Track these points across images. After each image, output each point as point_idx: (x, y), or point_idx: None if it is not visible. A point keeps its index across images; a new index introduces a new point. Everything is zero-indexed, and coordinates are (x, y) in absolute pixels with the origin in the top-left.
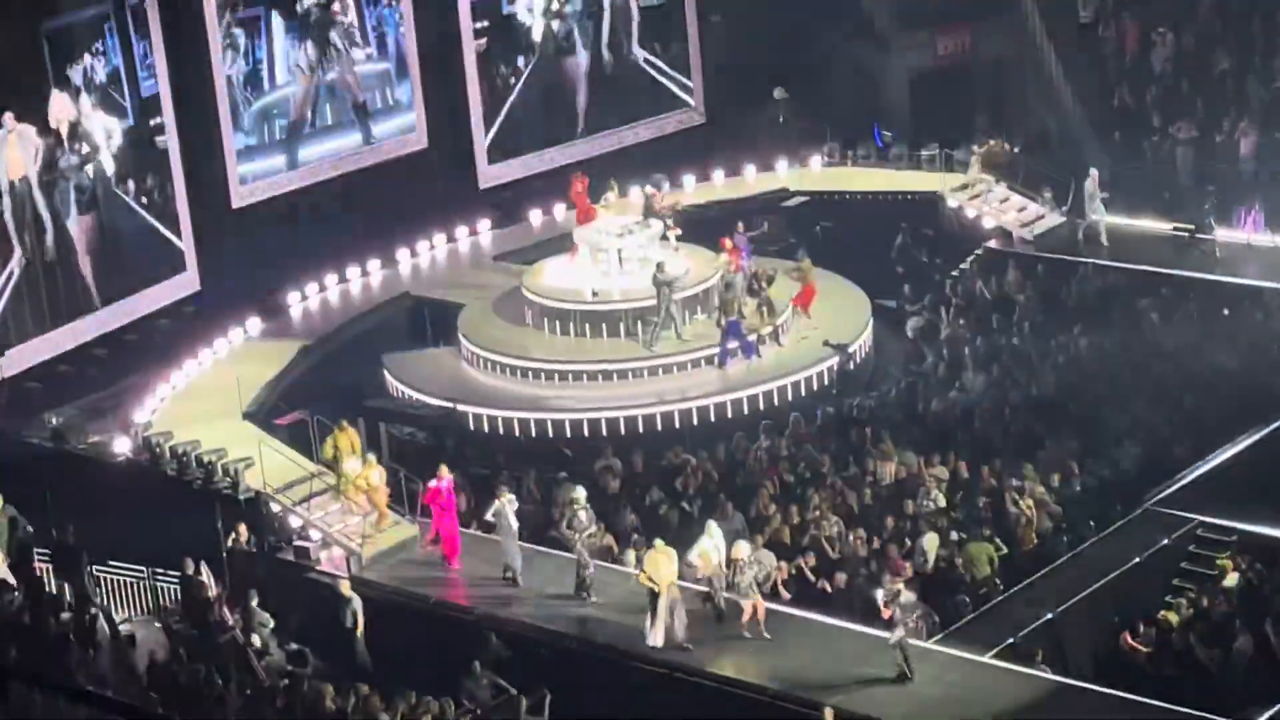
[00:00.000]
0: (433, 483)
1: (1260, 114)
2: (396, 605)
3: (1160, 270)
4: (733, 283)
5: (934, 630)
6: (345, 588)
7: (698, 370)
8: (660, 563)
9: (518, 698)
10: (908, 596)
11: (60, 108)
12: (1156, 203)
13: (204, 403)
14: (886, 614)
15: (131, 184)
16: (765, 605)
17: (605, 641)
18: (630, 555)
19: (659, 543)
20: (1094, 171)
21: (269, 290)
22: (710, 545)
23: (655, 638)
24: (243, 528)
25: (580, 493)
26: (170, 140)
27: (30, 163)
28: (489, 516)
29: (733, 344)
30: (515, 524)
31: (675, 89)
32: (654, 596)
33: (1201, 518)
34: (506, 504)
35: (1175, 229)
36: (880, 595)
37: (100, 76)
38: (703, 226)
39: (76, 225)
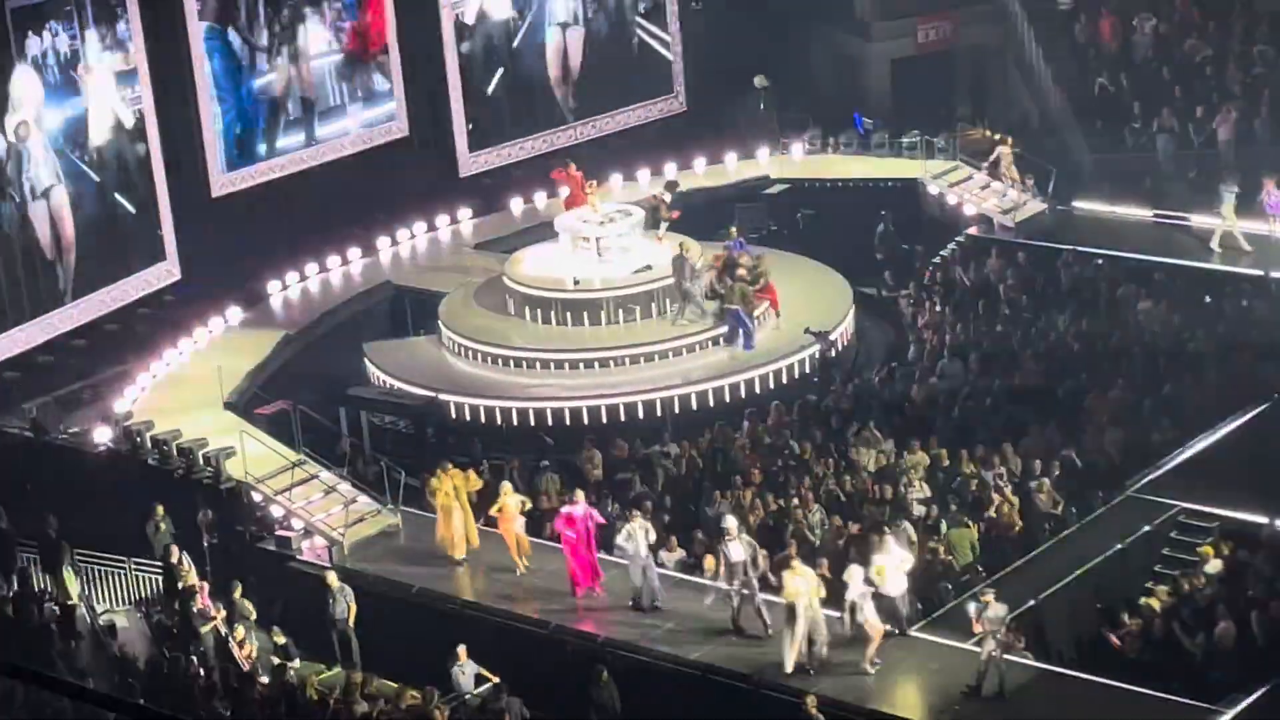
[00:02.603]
0: (565, 508)
1: (1239, 100)
2: (379, 594)
3: (1142, 257)
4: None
5: (916, 618)
6: (333, 579)
7: (679, 359)
8: (795, 580)
9: (501, 685)
10: (997, 610)
11: (24, 88)
12: (1138, 190)
13: (185, 392)
14: (977, 628)
15: (111, 172)
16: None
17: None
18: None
19: (796, 561)
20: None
21: (250, 279)
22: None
23: (788, 662)
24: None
25: (731, 522)
26: (150, 127)
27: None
28: (620, 541)
29: (736, 327)
30: (645, 550)
31: (660, 49)
32: (792, 616)
33: (1183, 504)
34: (639, 528)
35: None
36: (972, 608)
37: (65, 54)
38: (686, 215)
39: (55, 214)
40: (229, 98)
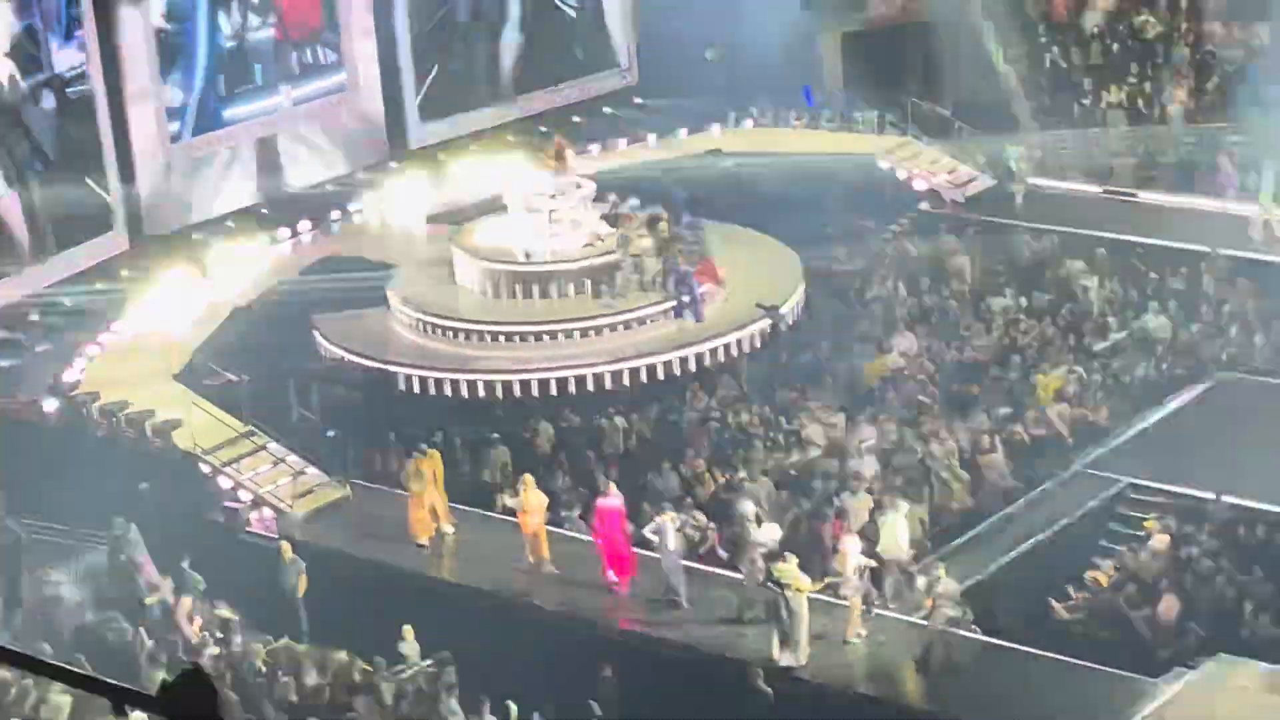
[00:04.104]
0: (600, 501)
1: (1189, 76)
2: (328, 566)
3: (1090, 233)
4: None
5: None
6: (286, 550)
7: (630, 331)
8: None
9: (448, 657)
10: (946, 584)
11: None
12: (1087, 165)
13: (133, 363)
14: (926, 602)
15: (59, 141)
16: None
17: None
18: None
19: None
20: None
21: (200, 250)
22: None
23: (797, 656)
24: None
25: (748, 506)
26: (98, 96)
27: None
28: (648, 533)
29: (685, 298)
30: (674, 543)
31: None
32: (781, 609)
33: (1130, 479)
34: (669, 521)
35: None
36: (921, 583)
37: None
38: (637, 189)
39: (2, 184)
40: (180, 65)
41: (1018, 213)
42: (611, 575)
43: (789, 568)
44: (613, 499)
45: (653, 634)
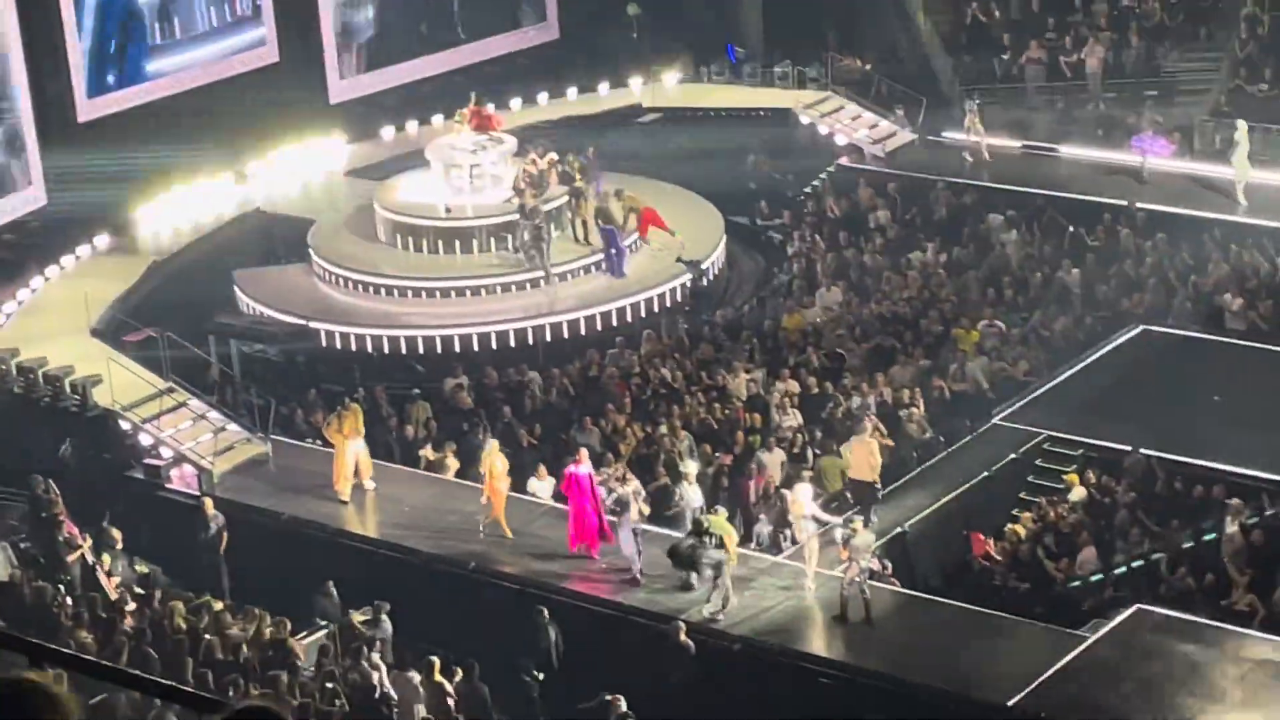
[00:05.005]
0: (570, 468)
1: (1108, 32)
2: (249, 522)
3: (1010, 188)
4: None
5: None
6: (209, 506)
7: (551, 287)
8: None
9: (371, 612)
10: (864, 537)
11: None
12: (1007, 120)
13: (51, 319)
14: (843, 554)
15: None
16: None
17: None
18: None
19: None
20: (1241, 123)
21: (117, 206)
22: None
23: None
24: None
25: (692, 466)
26: (13, 52)
27: None
28: (610, 505)
29: (613, 250)
30: (634, 515)
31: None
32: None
33: (1048, 432)
34: (632, 494)
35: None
36: (839, 535)
37: None
38: (558, 142)
39: None
40: (95, 21)
41: (937, 167)
42: (583, 549)
43: (720, 519)
44: (584, 466)
45: (579, 589)
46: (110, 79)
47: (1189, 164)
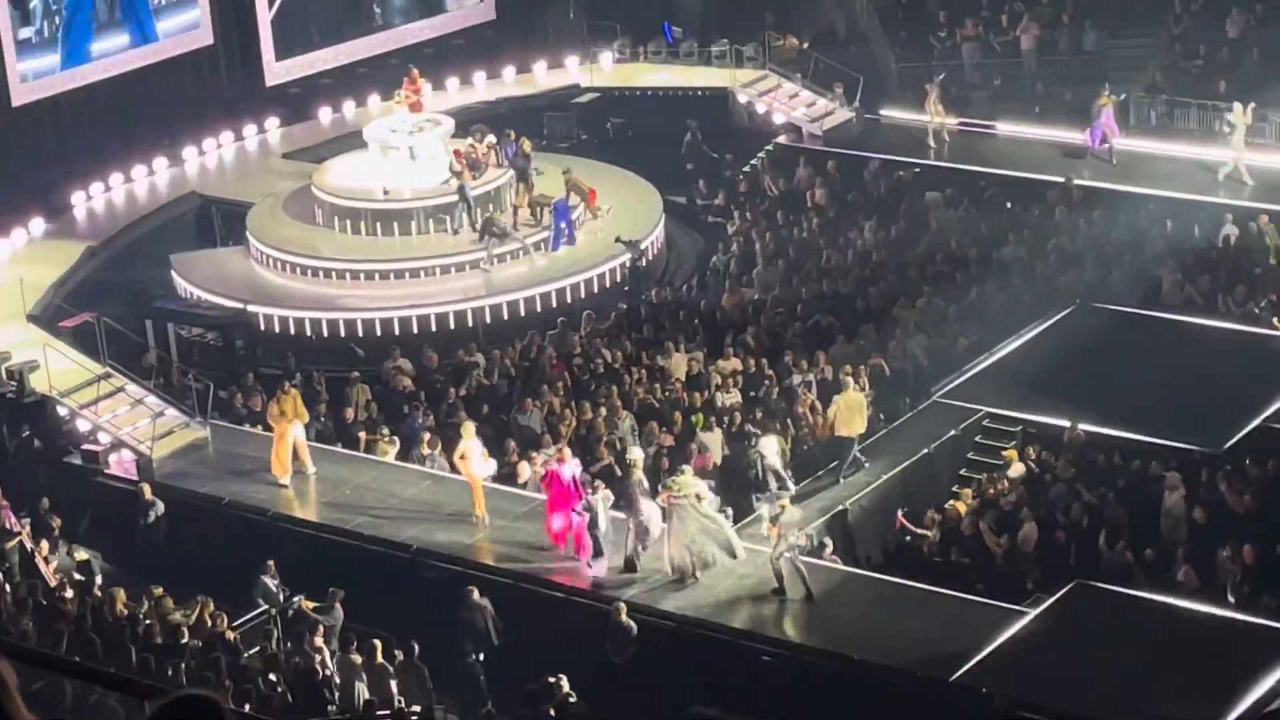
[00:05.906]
0: (552, 466)
1: (1043, 10)
2: (188, 507)
3: (948, 165)
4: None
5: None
6: (148, 491)
7: (490, 269)
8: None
9: (314, 597)
10: (792, 514)
11: None
12: (944, 98)
13: None
14: (772, 532)
15: None
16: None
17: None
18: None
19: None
20: (1238, 105)
21: (52, 190)
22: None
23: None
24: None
25: (637, 454)
26: None
27: None
28: (578, 511)
29: (563, 223)
30: (604, 522)
31: None
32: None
33: (988, 409)
34: (600, 499)
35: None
36: (766, 511)
37: None
38: (495, 123)
39: None
40: (29, 3)
41: (875, 145)
42: (565, 550)
43: (686, 479)
44: (569, 465)
45: (520, 569)
46: (44, 63)
47: (1126, 140)
